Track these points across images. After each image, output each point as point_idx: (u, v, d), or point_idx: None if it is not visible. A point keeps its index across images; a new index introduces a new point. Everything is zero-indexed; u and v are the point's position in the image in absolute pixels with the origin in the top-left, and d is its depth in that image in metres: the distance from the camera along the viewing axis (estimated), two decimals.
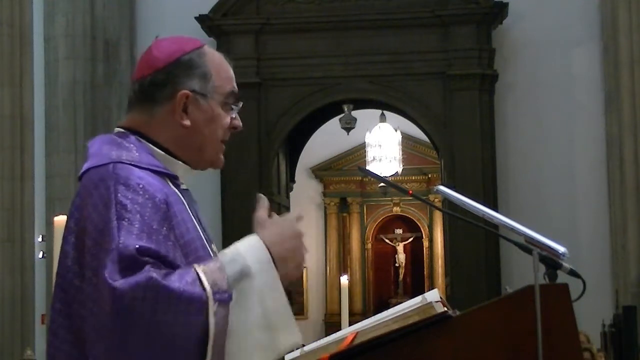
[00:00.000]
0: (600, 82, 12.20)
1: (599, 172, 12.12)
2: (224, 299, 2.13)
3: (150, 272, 2.08)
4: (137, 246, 2.12)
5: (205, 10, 12.49)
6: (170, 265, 2.15)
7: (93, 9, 12.46)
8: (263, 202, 2.34)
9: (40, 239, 11.99)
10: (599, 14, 12.20)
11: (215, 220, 11.87)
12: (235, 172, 12.12)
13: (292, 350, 2.41)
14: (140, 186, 2.22)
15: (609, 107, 11.89)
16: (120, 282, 2.07)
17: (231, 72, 2.49)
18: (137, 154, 2.33)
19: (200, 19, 12.44)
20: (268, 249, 2.24)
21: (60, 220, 4.52)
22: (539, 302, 2.42)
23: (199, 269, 2.15)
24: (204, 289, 2.11)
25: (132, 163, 2.29)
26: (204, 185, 11.24)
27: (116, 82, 12.44)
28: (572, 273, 2.57)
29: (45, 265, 11.26)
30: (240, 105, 2.50)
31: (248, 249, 2.23)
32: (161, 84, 2.38)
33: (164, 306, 2.07)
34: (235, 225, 12.04)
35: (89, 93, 12.32)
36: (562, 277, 2.55)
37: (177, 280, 2.10)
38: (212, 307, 2.11)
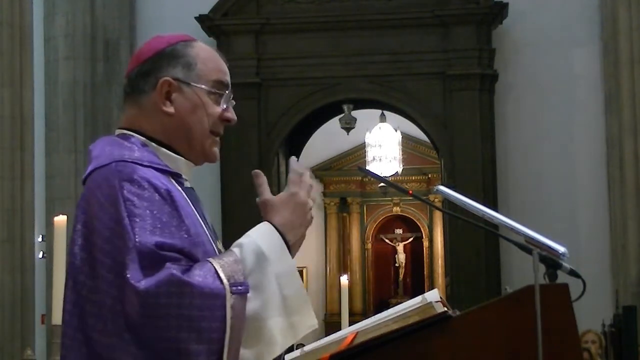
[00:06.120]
0: (600, 82, 12.19)
1: (599, 172, 12.12)
2: (241, 291, 2.20)
3: (171, 269, 2.15)
4: (154, 242, 2.18)
5: (205, 10, 12.49)
6: (188, 256, 2.21)
7: (93, 9, 12.46)
8: (262, 179, 2.39)
9: (40, 239, 11.99)
10: (599, 14, 12.20)
11: (215, 220, 11.86)
12: (235, 172, 12.12)
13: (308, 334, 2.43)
14: (145, 180, 2.26)
15: (609, 107, 11.89)
16: (143, 282, 2.14)
17: (221, 64, 2.49)
18: (138, 153, 2.36)
19: (200, 19, 12.44)
20: (280, 233, 2.30)
21: (60, 220, 4.51)
22: (539, 302, 2.42)
23: (215, 262, 2.21)
24: (222, 282, 2.17)
25: (134, 161, 2.32)
26: (204, 185, 11.23)
27: (116, 82, 12.43)
28: (572, 273, 2.56)
29: (45, 265, 11.25)
30: (231, 97, 2.51)
31: (262, 237, 2.29)
32: (145, 74, 2.42)
33: (187, 301, 2.14)
34: (236, 225, 12.04)
35: (89, 93, 12.32)
36: (562, 277, 2.55)
37: (197, 275, 2.17)
38: (230, 300, 2.17)
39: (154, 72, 2.42)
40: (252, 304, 2.21)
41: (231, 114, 2.49)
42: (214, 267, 2.20)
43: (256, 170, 2.42)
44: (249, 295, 2.21)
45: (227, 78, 2.49)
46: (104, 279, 2.20)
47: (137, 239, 2.18)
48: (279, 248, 2.29)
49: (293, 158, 2.48)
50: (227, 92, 2.48)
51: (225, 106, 2.47)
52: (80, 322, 2.25)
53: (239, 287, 2.19)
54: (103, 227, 2.23)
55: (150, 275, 2.15)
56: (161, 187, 2.27)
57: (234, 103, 2.54)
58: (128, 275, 2.15)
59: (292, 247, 2.35)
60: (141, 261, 2.16)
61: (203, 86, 2.43)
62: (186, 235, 2.25)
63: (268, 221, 2.34)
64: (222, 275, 2.19)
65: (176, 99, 2.41)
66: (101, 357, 2.20)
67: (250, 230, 2.33)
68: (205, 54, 2.47)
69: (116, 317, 2.17)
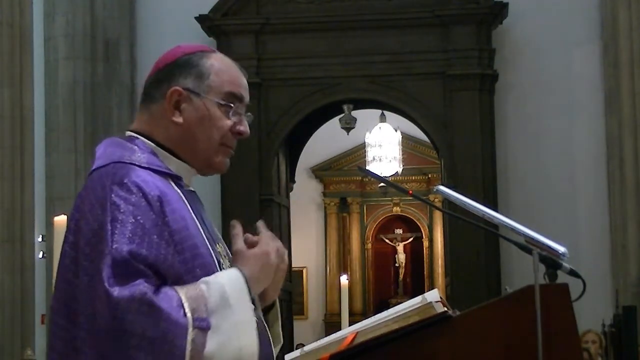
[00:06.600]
0: (600, 82, 12.19)
1: (599, 172, 12.11)
2: (203, 327, 2.20)
3: (144, 287, 2.17)
4: (128, 250, 2.19)
5: (205, 10, 12.48)
6: (159, 271, 2.22)
7: (93, 9, 12.45)
8: (237, 229, 2.40)
9: (40, 239, 11.98)
10: (599, 14, 12.20)
11: (215, 220, 11.80)
12: (236, 172, 12.09)
13: None
14: (135, 184, 2.27)
15: (609, 107, 11.89)
16: (116, 291, 2.15)
17: (236, 76, 2.47)
18: (139, 154, 2.37)
19: (200, 19, 12.43)
20: (247, 283, 2.30)
21: (60, 220, 4.52)
22: (539, 302, 2.42)
23: (182, 293, 2.21)
24: (185, 315, 2.18)
25: (133, 162, 2.33)
26: (204, 186, 11.21)
27: (116, 82, 12.44)
28: (572, 273, 2.56)
29: (45, 265, 11.25)
30: (245, 111, 2.49)
31: (229, 281, 2.29)
32: (159, 82, 2.43)
33: (153, 322, 2.15)
34: None
35: (89, 93, 12.32)
36: (562, 277, 2.55)
37: (165, 301, 2.18)
38: (191, 333, 2.18)
39: (167, 80, 2.42)
40: (209, 343, 2.20)
41: (243, 127, 2.48)
42: (179, 297, 2.20)
43: (233, 221, 2.42)
44: (208, 332, 2.21)
45: (241, 91, 2.46)
46: (82, 280, 2.23)
47: (113, 246, 2.19)
48: (244, 296, 2.28)
49: (260, 222, 2.47)
50: (237, 104, 2.45)
51: (235, 119, 2.46)
52: (65, 321, 2.26)
53: (202, 322, 2.20)
54: (88, 229, 2.25)
55: (121, 285, 2.16)
56: (150, 193, 2.27)
57: (251, 116, 2.52)
58: (103, 280, 2.17)
59: (260, 298, 2.38)
60: (114, 268, 2.18)
61: (212, 98, 2.42)
62: (165, 245, 2.24)
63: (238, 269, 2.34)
64: (186, 307, 2.19)
65: (185, 109, 2.41)
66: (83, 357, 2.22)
67: (220, 272, 2.33)
68: (220, 65, 2.45)
69: (90, 320, 2.19)
